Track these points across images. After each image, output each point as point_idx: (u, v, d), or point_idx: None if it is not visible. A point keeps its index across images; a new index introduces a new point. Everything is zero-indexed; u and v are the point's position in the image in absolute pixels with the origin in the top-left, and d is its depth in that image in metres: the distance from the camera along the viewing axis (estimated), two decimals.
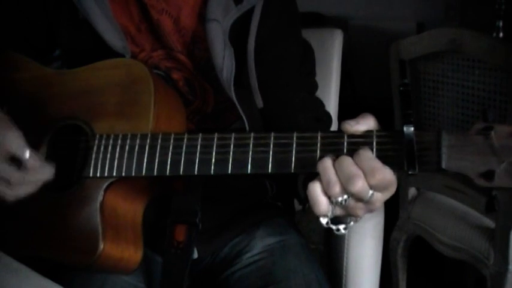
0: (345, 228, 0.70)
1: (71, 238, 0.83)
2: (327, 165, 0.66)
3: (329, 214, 0.67)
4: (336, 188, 0.65)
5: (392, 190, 0.67)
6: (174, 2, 0.94)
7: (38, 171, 0.79)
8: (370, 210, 0.68)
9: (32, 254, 0.86)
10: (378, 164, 0.64)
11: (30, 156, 0.77)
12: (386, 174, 0.64)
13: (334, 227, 0.69)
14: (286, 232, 1.04)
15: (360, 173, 0.64)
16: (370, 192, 0.65)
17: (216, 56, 0.90)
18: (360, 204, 0.67)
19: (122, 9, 0.95)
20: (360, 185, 0.64)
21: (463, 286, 2.04)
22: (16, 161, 0.77)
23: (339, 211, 0.68)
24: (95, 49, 0.92)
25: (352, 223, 0.70)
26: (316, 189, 0.66)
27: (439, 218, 1.60)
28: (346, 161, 0.65)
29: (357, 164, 0.65)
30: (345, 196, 0.65)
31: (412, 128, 0.64)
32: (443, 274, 2.08)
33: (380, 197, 0.66)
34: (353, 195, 0.65)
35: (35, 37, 1.01)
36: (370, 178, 0.64)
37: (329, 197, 0.66)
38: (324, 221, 0.68)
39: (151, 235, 0.92)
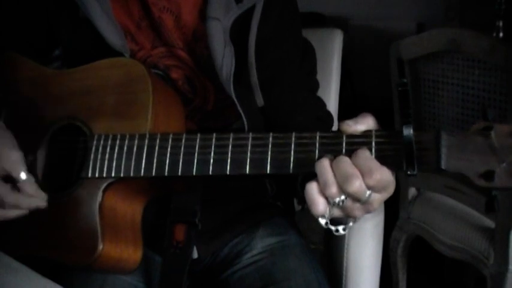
0: (344, 229, 0.69)
1: (70, 238, 0.83)
2: (324, 165, 0.66)
3: (326, 215, 0.67)
4: (333, 189, 0.64)
5: (390, 191, 0.67)
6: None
7: (32, 196, 0.78)
8: (368, 211, 0.68)
9: (32, 254, 0.86)
10: (375, 164, 0.64)
11: (26, 179, 0.77)
12: (384, 175, 0.64)
13: (333, 228, 0.69)
14: (286, 232, 1.04)
15: (357, 173, 0.64)
16: (368, 192, 0.64)
17: (216, 54, 0.90)
18: (358, 205, 0.66)
19: (122, 7, 0.95)
20: (356, 185, 0.63)
21: (463, 286, 2.04)
22: (11, 182, 0.77)
23: (336, 212, 0.68)
24: (94, 48, 0.92)
25: (351, 223, 0.70)
26: (313, 189, 0.66)
27: (439, 218, 1.60)
28: (344, 161, 0.65)
29: (354, 164, 0.64)
30: (342, 197, 0.65)
31: (411, 128, 0.64)
32: (443, 274, 2.08)
33: (378, 198, 0.66)
34: (350, 195, 0.64)
35: (35, 37, 1.01)
36: (368, 178, 0.63)
37: (326, 198, 0.66)
38: (322, 221, 0.68)
39: (150, 235, 0.92)
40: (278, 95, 0.98)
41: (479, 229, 1.48)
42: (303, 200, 0.69)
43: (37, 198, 0.79)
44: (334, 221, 0.69)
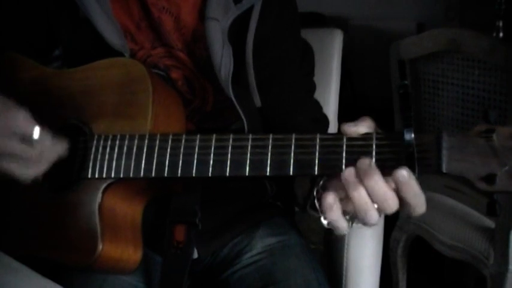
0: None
1: (70, 238, 0.83)
2: (363, 200, 0.65)
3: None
4: (374, 214, 0.66)
5: None
6: (174, 0, 0.94)
7: (51, 148, 0.77)
8: None
9: (31, 254, 0.86)
10: (417, 188, 0.65)
11: (40, 134, 0.75)
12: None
13: None
14: (286, 232, 1.04)
15: (396, 199, 0.65)
16: None
17: (215, 54, 0.90)
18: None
19: (121, 7, 0.95)
20: (395, 208, 0.65)
21: (463, 286, 2.04)
22: (26, 141, 0.75)
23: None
24: (94, 48, 0.92)
25: (354, 224, 0.70)
26: (336, 217, 0.67)
27: (439, 218, 1.60)
28: (384, 191, 0.65)
29: (400, 189, 0.65)
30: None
31: (412, 131, 0.63)
32: (444, 274, 2.08)
33: None
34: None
35: (35, 37, 1.00)
36: (417, 208, 0.66)
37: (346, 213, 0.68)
38: (325, 222, 0.68)
39: (151, 235, 0.92)
40: (277, 95, 0.98)
41: (479, 229, 1.48)
42: (301, 206, 0.69)
43: (58, 146, 0.77)
44: None
